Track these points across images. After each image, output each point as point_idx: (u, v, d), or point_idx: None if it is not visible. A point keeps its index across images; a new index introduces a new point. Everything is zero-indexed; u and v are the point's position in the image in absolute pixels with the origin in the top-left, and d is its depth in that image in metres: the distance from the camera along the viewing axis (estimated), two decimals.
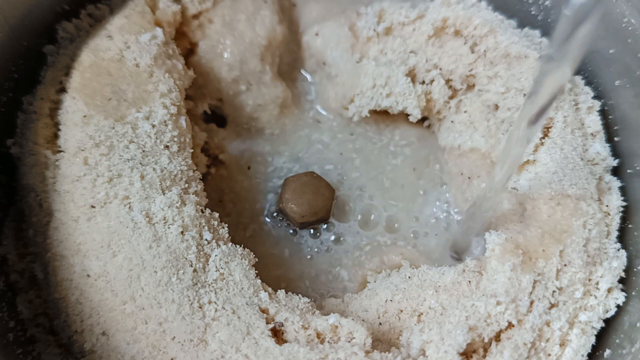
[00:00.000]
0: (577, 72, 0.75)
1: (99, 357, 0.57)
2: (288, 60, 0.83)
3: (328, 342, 0.58)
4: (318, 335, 0.58)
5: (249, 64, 0.76)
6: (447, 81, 0.77)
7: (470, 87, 0.77)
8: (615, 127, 0.72)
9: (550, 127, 0.68)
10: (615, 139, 0.72)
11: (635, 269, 0.64)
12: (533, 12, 0.79)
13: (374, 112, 0.80)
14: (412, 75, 0.76)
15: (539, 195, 0.65)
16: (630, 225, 0.67)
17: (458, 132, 0.77)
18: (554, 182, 0.64)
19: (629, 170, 0.70)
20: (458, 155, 0.78)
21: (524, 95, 0.70)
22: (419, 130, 0.82)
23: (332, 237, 0.75)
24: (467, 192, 0.76)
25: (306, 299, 0.63)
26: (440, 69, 0.76)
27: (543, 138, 0.68)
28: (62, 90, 0.65)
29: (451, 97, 0.78)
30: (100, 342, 0.57)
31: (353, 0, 0.81)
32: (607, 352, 0.62)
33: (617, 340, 0.62)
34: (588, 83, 0.74)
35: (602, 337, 0.62)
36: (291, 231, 0.75)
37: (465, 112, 0.77)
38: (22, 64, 0.67)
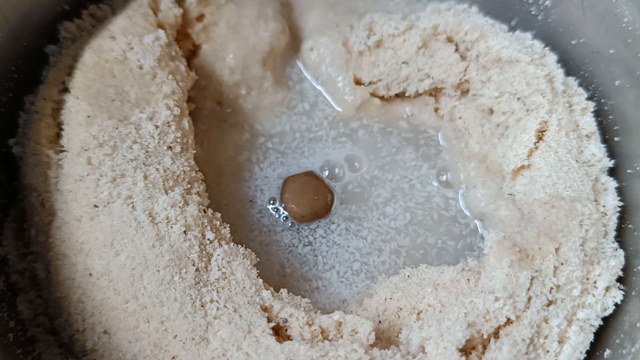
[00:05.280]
0: (576, 72, 0.78)
1: (101, 356, 0.60)
2: (291, 62, 0.87)
3: (331, 338, 0.61)
4: (322, 332, 0.61)
5: (250, 68, 0.80)
6: (440, 89, 0.82)
7: (465, 92, 0.81)
8: (616, 128, 0.75)
9: (544, 131, 0.71)
10: (615, 139, 0.75)
11: (635, 269, 0.68)
12: (533, 12, 0.82)
13: (378, 115, 0.85)
14: None
15: (534, 199, 0.68)
16: (630, 226, 0.71)
17: (456, 139, 0.82)
18: (548, 185, 0.68)
19: (629, 171, 0.73)
20: (456, 163, 0.82)
21: (518, 99, 0.74)
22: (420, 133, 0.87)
23: (329, 235, 0.78)
24: (467, 199, 0.80)
25: (307, 300, 0.66)
26: (432, 78, 0.80)
27: (537, 142, 0.71)
28: (65, 90, 0.68)
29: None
30: (102, 340, 0.61)
31: (348, 10, 0.86)
32: (608, 352, 0.65)
33: (617, 340, 0.65)
34: (588, 83, 0.78)
35: (603, 336, 0.66)
36: (290, 224, 0.78)
37: (459, 118, 0.82)
38: (23, 64, 0.71)
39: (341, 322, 0.62)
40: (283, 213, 0.78)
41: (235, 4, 0.79)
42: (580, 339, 0.63)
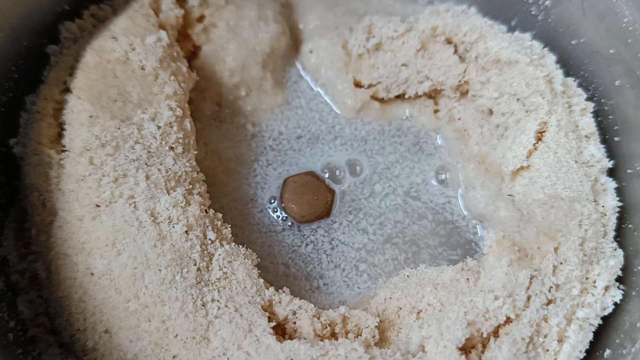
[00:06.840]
0: (576, 72, 0.79)
1: (102, 355, 0.62)
2: (290, 64, 0.88)
3: (338, 332, 0.63)
4: (330, 324, 0.63)
5: (250, 70, 0.82)
6: (439, 91, 0.83)
7: (464, 94, 0.83)
8: (616, 128, 0.76)
9: (544, 132, 0.72)
10: (615, 139, 0.76)
11: (634, 269, 0.69)
12: (533, 12, 0.83)
13: (378, 117, 0.87)
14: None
15: (533, 200, 0.70)
16: (630, 226, 0.72)
17: (455, 140, 0.83)
18: (547, 186, 0.69)
19: (629, 171, 0.74)
20: (455, 163, 0.83)
21: (517, 100, 0.75)
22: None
23: (330, 235, 0.79)
24: (466, 200, 0.82)
25: (306, 301, 0.67)
26: (432, 79, 0.81)
27: (536, 143, 0.72)
28: (66, 90, 0.69)
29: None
30: (102, 340, 0.62)
31: (347, 11, 0.87)
32: (608, 352, 0.66)
33: (618, 340, 0.66)
34: (588, 83, 0.79)
35: (603, 336, 0.67)
36: (290, 224, 0.80)
37: (459, 119, 0.83)
38: (23, 64, 0.71)
39: (346, 317, 0.63)
40: (283, 213, 0.79)
41: (235, 5, 0.81)
42: (579, 338, 0.64)
